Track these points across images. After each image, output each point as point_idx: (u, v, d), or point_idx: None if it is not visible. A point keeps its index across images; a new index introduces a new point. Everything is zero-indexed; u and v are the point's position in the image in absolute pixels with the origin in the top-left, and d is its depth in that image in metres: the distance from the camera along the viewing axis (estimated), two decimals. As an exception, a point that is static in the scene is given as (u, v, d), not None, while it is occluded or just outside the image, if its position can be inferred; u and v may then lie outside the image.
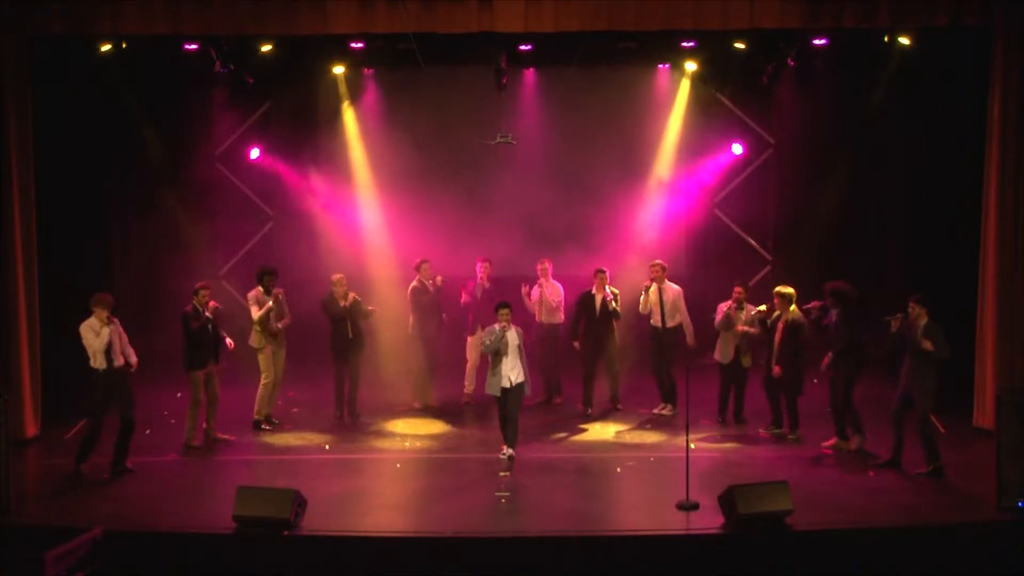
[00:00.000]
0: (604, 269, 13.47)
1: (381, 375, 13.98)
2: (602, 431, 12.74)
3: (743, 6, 12.16)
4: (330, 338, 13.17)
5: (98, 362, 10.91)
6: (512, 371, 11.25)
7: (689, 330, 13.22)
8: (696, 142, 16.38)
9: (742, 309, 12.71)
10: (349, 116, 16.16)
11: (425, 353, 13.63)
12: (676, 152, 16.24)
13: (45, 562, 8.32)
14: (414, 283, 13.64)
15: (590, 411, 13.40)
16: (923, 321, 10.96)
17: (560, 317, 13.77)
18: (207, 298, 12.08)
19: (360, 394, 13.33)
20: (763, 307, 12.50)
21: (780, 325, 12.08)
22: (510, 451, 11.31)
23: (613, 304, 13.22)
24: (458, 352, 14.04)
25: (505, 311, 11.30)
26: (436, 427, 12.92)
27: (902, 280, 14.54)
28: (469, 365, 13.81)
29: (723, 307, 12.80)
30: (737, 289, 12.80)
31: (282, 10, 12.18)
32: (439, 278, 13.59)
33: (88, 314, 10.99)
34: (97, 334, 10.88)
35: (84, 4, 12.13)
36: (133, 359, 11.20)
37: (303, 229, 16.37)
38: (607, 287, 13.32)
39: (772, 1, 12.15)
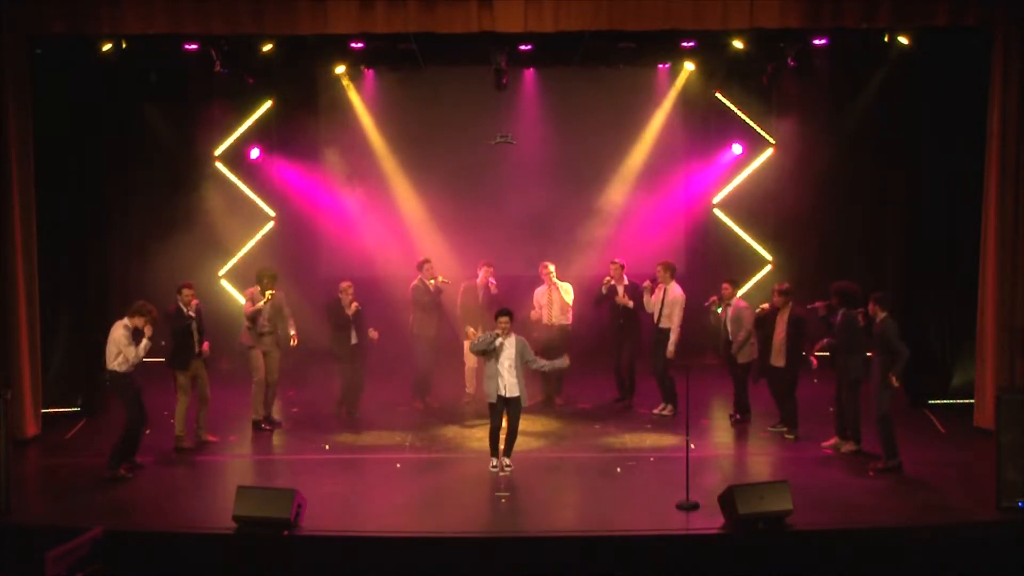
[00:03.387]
0: (618, 260, 13.52)
1: (382, 375, 13.97)
2: (602, 431, 12.74)
3: (743, 6, 12.15)
4: (331, 343, 13.16)
5: (124, 366, 10.91)
6: (510, 381, 11.08)
7: (673, 337, 13.05)
8: (696, 142, 16.40)
9: (729, 305, 12.73)
10: (349, 116, 16.15)
11: (425, 352, 13.64)
12: (672, 150, 16.27)
13: (45, 562, 8.32)
14: (415, 281, 13.66)
15: (623, 398, 13.70)
16: (879, 317, 10.99)
17: (570, 317, 13.76)
18: (190, 297, 12.05)
19: (363, 395, 13.33)
20: (765, 305, 12.51)
21: (781, 320, 12.08)
22: (506, 461, 11.26)
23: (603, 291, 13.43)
24: (458, 352, 14.01)
25: (504, 319, 11.14)
26: (436, 427, 12.91)
27: (902, 280, 14.53)
28: (468, 367, 13.79)
29: (708, 303, 12.91)
30: (724, 286, 12.84)
31: (282, 10, 12.17)
32: (440, 278, 13.61)
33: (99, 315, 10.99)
34: (135, 343, 10.86)
35: (84, 4, 12.12)
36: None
37: (303, 229, 16.38)
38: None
39: (772, 1, 12.14)
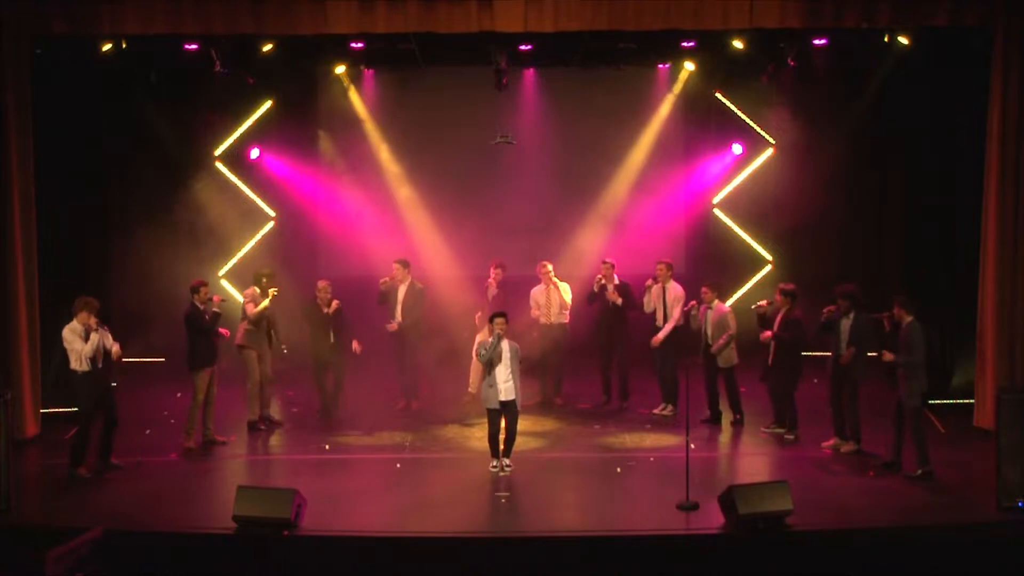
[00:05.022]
0: (608, 260, 13.51)
1: (382, 375, 13.95)
2: (602, 431, 12.73)
3: (743, 6, 12.15)
4: (310, 345, 13.12)
5: (83, 365, 10.91)
6: (506, 384, 11.01)
7: (666, 328, 13.07)
8: (696, 142, 16.40)
9: (711, 309, 12.72)
10: (349, 116, 16.16)
11: (394, 351, 13.61)
12: (672, 150, 16.28)
13: (45, 562, 8.32)
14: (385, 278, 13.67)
15: (608, 401, 13.65)
16: (906, 320, 10.97)
17: (567, 316, 13.75)
18: (208, 294, 12.07)
19: (359, 396, 13.30)
20: (763, 302, 12.50)
21: (779, 318, 12.09)
22: (507, 461, 11.21)
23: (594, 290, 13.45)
24: (454, 352, 13.97)
25: (500, 320, 11.11)
26: (436, 427, 12.90)
27: (902, 280, 14.54)
28: (473, 364, 13.74)
29: (687, 307, 12.91)
30: (703, 289, 12.84)
31: (282, 10, 12.17)
32: (384, 280, 13.53)
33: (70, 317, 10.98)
34: (83, 339, 10.85)
35: (84, 4, 12.12)
36: (116, 348, 11.13)
37: (303, 229, 16.39)
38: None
39: (772, 1, 12.15)
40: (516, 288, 13.84)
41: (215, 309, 12.04)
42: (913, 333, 10.91)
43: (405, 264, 13.63)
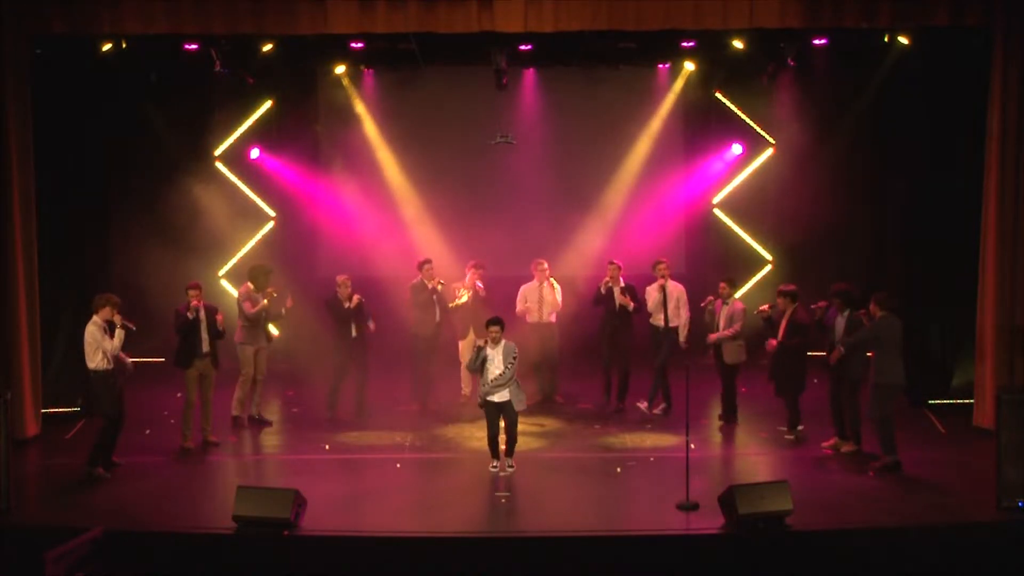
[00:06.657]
0: (615, 261, 13.45)
1: (382, 375, 13.94)
2: (602, 431, 12.73)
3: (743, 6, 12.16)
4: (332, 338, 13.15)
5: (105, 363, 10.89)
6: (499, 387, 10.93)
7: (683, 331, 13.13)
8: (696, 142, 16.40)
9: (727, 304, 12.71)
10: (349, 116, 16.16)
11: (422, 352, 13.60)
12: (672, 150, 16.28)
13: (45, 562, 8.32)
14: (415, 281, 13.62)
15: (608, 402, 13.58)
16: (878, 316, 11.01)
17: (555, 316, 13.74)
18: (192, 298, 12.04)
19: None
20: (765, 306, 12.51)
21: (784, 322, 12.09)
22: (509, 461, 11.17)
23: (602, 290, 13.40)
24: (456, 352, 13.99)
25: (495, 329, 10.96)
26: (436, 427, 12.90)
27: (902, 280, 14.53)
28: (463, 367, 13.74)
29: (704, 303, 12.89)
30: (721, 285, 12.83)
31: (282, 10, 12.17)
32: (439, 281, 13.54)
33: (90, 315, 10.97)
34: (110, 335, 10.85)
35: (84, 4, 12.13)
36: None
37: (303, 229, 16.38)
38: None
39: (772, 1, 12.15)
40: (515, 288, 13.83)
41: (189, 314, 11.93)
42: (880, 326, 10.93)
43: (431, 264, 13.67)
